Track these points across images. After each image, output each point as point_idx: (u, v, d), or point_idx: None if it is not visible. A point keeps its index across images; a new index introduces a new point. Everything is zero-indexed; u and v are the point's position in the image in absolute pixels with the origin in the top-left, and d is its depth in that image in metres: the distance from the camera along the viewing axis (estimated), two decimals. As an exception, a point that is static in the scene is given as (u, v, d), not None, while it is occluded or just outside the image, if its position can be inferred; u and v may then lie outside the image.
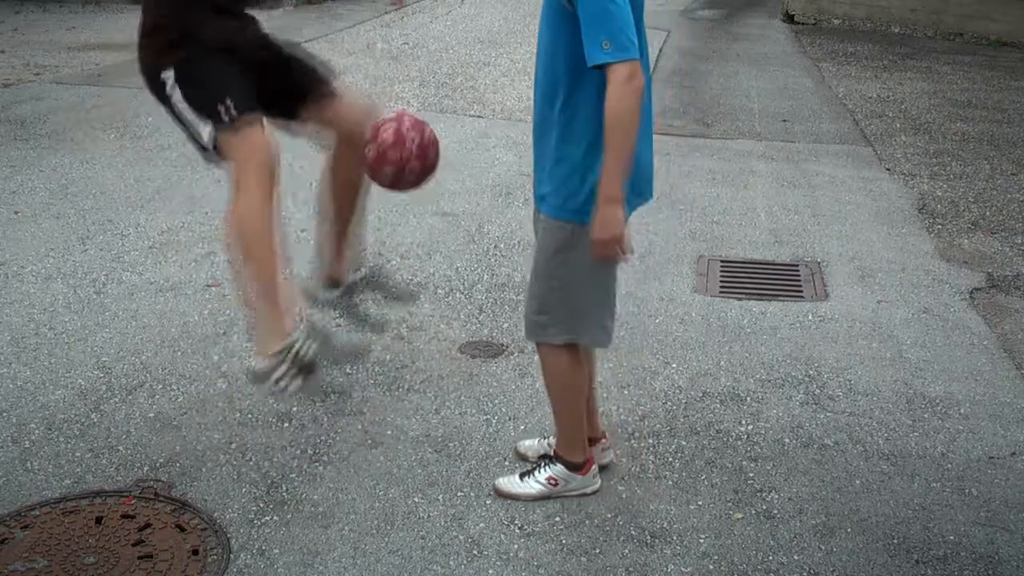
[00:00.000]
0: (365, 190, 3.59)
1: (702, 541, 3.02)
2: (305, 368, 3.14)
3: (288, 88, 3.40)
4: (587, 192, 2.80)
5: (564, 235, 2.88)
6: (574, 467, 3.18)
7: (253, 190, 3.11)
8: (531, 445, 3.42)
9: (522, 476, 3.22)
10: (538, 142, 2.93)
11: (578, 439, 3.19)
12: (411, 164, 3.23)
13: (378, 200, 5.89)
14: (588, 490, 3.21)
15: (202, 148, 3.23)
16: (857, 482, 3.35)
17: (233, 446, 3.39)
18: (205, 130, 3.16)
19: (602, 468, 3.30)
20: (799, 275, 5.15)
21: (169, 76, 3.17)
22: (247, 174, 3.13)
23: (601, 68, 2.63)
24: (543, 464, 3.22)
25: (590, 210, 2.78)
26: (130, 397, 3.68)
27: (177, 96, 3.17)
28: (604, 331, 3.05)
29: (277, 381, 3.13)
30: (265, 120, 3.20)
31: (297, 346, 3.11)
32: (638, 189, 2.95)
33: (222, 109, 3.10)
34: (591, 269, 2.90)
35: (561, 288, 2.94)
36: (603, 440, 3.36)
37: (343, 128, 3.45)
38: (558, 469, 3.18)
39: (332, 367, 3.25)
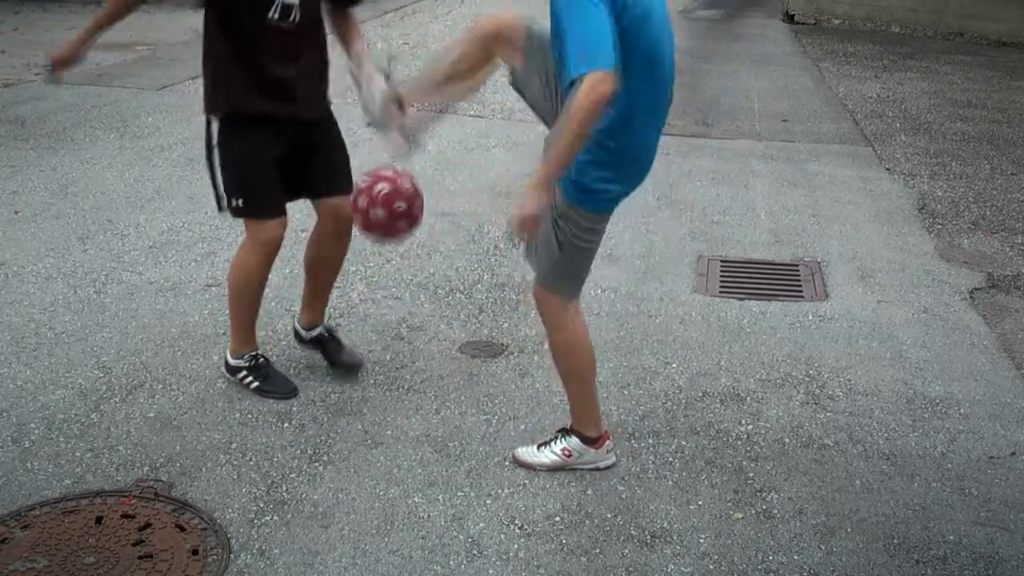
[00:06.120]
0: (337, 268, 3.86)
1: (702, 541, 3.02)
2: (260, 377, 3.71)
3: (308, 179, 3.61)
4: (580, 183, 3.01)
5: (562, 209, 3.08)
6: (588, 440, 3.32)
7: (252, 255, 3.54)
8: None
9: (539, 446, 3.36)
10: None
11: (590, 414, 3.33)
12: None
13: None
14: (601, 464, 3.35)
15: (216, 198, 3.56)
16: (857, 482, 3.35)
17: (233, 446, 3.39)
18: (221, 199, 3.50)
19: None
20: (799, 275, 5.15)
21: (215, 130, 3.46)
22: (251, 243, 3.53)
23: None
24: (559, 436, 3.35)
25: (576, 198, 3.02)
26: (130, 397, 3.68)
27: (216, 158, 3.47)
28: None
29: (242, 379, 3.74)
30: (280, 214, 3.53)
31: (244, 372, 3.72)
32: (639, 176, 3.11)
33: (235, 202, 3.45)
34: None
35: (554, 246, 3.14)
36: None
37: (330, 224, 3.69)
38: (573, 442, 3.32)
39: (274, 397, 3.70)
